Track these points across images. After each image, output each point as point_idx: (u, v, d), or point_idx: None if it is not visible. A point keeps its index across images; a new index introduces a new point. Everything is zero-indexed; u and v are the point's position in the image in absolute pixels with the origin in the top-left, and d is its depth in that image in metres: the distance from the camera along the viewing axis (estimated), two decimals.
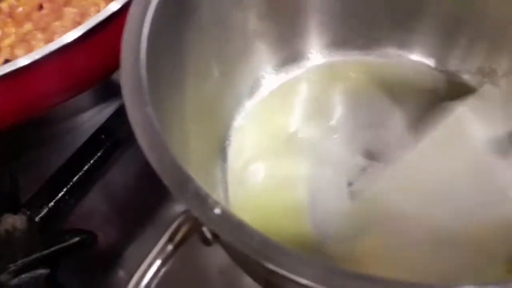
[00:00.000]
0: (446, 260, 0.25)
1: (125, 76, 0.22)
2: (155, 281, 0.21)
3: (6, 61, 0.36)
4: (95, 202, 0.38)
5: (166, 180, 0.20)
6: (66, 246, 0.33)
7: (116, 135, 0.36)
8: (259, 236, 0.18)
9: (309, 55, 0.34)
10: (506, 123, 0.27)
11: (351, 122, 0.33)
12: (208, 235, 0.24)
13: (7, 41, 0.37)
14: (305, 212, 0.31)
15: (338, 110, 0.33)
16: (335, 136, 0.33)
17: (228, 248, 0.25)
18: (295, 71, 0.34)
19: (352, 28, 0.32)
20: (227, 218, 0.19)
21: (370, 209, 0.28)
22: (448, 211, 0.26)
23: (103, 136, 0.36)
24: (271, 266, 0.18)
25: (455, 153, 0.26)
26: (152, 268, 0.20)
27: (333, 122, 0.33)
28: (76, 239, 0.33)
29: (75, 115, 0.43)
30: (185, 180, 0.20)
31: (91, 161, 0.35)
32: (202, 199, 0.19)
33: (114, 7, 0.31)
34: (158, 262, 0.21)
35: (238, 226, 0.18)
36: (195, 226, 0.22)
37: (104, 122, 0.37)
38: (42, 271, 0.33)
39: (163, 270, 0.21)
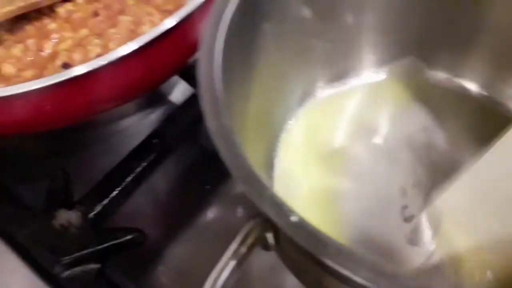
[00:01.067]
0: None
1: (203, 90, 0.23)
2: (230, 282, 0.22)
3: (64, 64, 0.38)
4: (139, 202, 0.40)
5: (244, 187, 0.21)
6: (118, 243, 0.34)
7: (167, 140, 0.38)
8: (334, 243, 0.20)
9: (361, 72, 0.35)
10: None
11: (394, 141, 0.35)
12: (271, 240, 0.25)
13: (64, 45, 0.39)
14: (346, 228, 0.32)
15: (383, 129, 0.35)
16: (378, 154, 0.34)
17: (287, 254, 0.26)
18: (346, 86, 0.36)
19: (403, 48, 0.33)
20: (303, 226, 0.20)
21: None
22: None
23: (154, 141, 0.37)
24: (346, 273, 0.19)
25: None
26: (227, 269, 0.22)
27: (377, 140, 0.35)
28: (128, 237, 0.34)
29: (120, 119, 0.45)
30: (262, 188, 0.21)
31: (144, 164, 0.37)
32: (278, 206, 0.21)
33: (169, 24, 0.33)
34: (232, 263, 0.22)
35: (313, 233, 0.20)
36: (264, 231, 0.24)
37: (156, 128, 0.39)
38: (93, 265, 0.34)
39: (237, 271, 0.22)
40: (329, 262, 0.19)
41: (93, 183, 0.39)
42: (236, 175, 0.21)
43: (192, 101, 0.40)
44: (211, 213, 0.41)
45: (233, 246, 0.23)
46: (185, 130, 0.40)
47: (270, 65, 0.30)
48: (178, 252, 0.39)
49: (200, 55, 0.25)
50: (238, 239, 0.23)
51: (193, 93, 0.41)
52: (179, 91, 0.46)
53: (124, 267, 0.37)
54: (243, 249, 0.23)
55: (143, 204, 0.40)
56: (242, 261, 0.22)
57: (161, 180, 0.41)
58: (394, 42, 0.33)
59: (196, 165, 0.43)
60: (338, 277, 0.23)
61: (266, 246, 0.25)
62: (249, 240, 0.23)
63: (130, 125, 0.45)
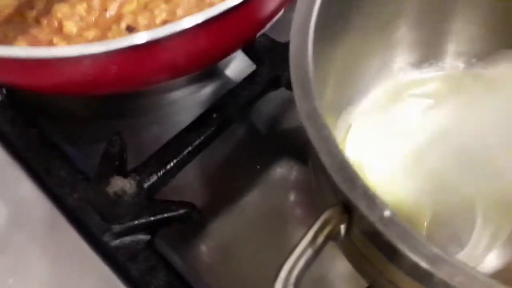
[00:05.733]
0: None
1: (294, 71, 0.22)
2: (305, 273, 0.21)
3: (129, 27, 0.37)
4: (187, 175, 0.39)
5: (334, 175, 0.20)
6: (172, 216, 0.34)
7: (226, 114, 0.37)
8: (428, 244, 0.19)
9: (441, 61, 0.34)
10: None
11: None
12: (342, 231, 0.24)
13: (129, 7, 0.38)
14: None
15: (449, 127, 0.34)
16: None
17: (355, 245, 0.25)
18: (423, 74, 0.34)
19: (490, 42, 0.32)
20: (396, 222, 0.19)
21: None
22: None
23: (214, 115, 0.36)
24: (441, 276, 0.18)
25: None
26: (304, 258, 0.21)
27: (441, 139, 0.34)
28: (183, 210, 0.34)
29: (172, 90, 0.45)
30: (353, 177, 0.20)
31: (201, 138, 0.36)
32: (371, 199, 0.20)
33: (235, 0, 0.31)
34: (309, 252, 0.21)
35: (406, 231, 0.19)
36: (340, 222, 0.22)
37: (216, 102, 0.38)
38: (143, 236, 0.34)
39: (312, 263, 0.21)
40: (423, 263, 0.18)
41: (143, 150, 0.39)
42: (326, 160, 0.20)
43: (253, 78, 0.39)
44: (260, 194, 0.40)
45: (310, 234, 0.22)
46: (243, 107, 0.39)
47: (353, 43, 0.29)
48: (222, 230, 0.38)
49: (293, 34, 0.23)
50: (315, 227, 0.22)
51: (255, 70, 0.40)
52: (236, 66, 0.45)
53: (170, 240, 0.37)
54: (321, 239, 0.22)
55: (192, 178, 0.40)
56: (319, 251, 0.21)
57: (211, 155, 0.40)
58: (482, 34, 0.32)
59: (247, 144, 0.42)
60: (418, 277, 0.22)
61: (334, 237, 0.24)
62: (326, 230, 0.22)
63: (182, 96, 0.45)
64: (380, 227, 0.19)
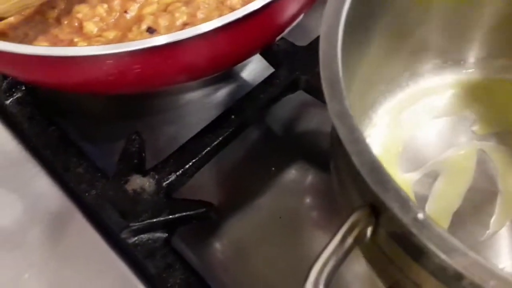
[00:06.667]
0: None
1: (325, 72, 0.22)
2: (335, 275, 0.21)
3: (149, 28, 0.37)
4: (204, 175, 0.39)
5: (366, 175, 0.20)
6: (190, 214, 0.34)
7: (244, 116, 0.37)
8: (462, 248, 0.19)
9: (458, 68, 0.35)
10: None
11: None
12: (368, 233, 0.24)
13: (149, 9, 0.38)
14: None
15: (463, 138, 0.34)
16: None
17: (381, 248, 0.25)
18: (438, 81, 0.35)
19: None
20: (430, 225, 0.19)
21: None
22: None
23: (232, 117, 0.37)
24: (476, 280, 0.18)
25: None
26: (332, 260, 0.21)
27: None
28: (201, 210, 0.34)
29: (188, 91, 0.45)
30: (386, 179, 0.20)
31: (220, 138, 0.36)
32: (403, 201, 0.20)
33: (260, 2, 0.31)
34: (338, 254, 0.21)
35: (440, 234, 0.19)
36: (368, 224, 0.23)
37: (234, 104, 0.38)
38: (160, 234, 0.34)
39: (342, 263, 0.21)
40: (457, 267, 0.19)
41: (160, 149, 0.39)
42: (357, 161, 0.20)
43: (271, 81, 0.39)
44: (275, 196, 0.40)
45: (338, 236, 0.22)
46: (261, 109, 0.39)
47: (377, 49, 0.29)
48: (238, 230, 0.38)
49: (323, 37, 0.24)
50: (343, 229, 0.22)
51: (273, 73, 0.40)
52: (251, 69, 0.45)
53: (186, 239, 0.37)
54: (349, 241, 0.22)
55: (208, 178, 0.40)
56: (347, 254, 0.22)
57: (228, 156, 0.40)
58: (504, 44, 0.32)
59: (263, 146, 0.42)
60: (445, 279, 0.22)
61: (360, 239, 0.24)
62: (354, 233, 0.22)
63: (199, 97, 0.45)
64: (414, 229, 0.19)
